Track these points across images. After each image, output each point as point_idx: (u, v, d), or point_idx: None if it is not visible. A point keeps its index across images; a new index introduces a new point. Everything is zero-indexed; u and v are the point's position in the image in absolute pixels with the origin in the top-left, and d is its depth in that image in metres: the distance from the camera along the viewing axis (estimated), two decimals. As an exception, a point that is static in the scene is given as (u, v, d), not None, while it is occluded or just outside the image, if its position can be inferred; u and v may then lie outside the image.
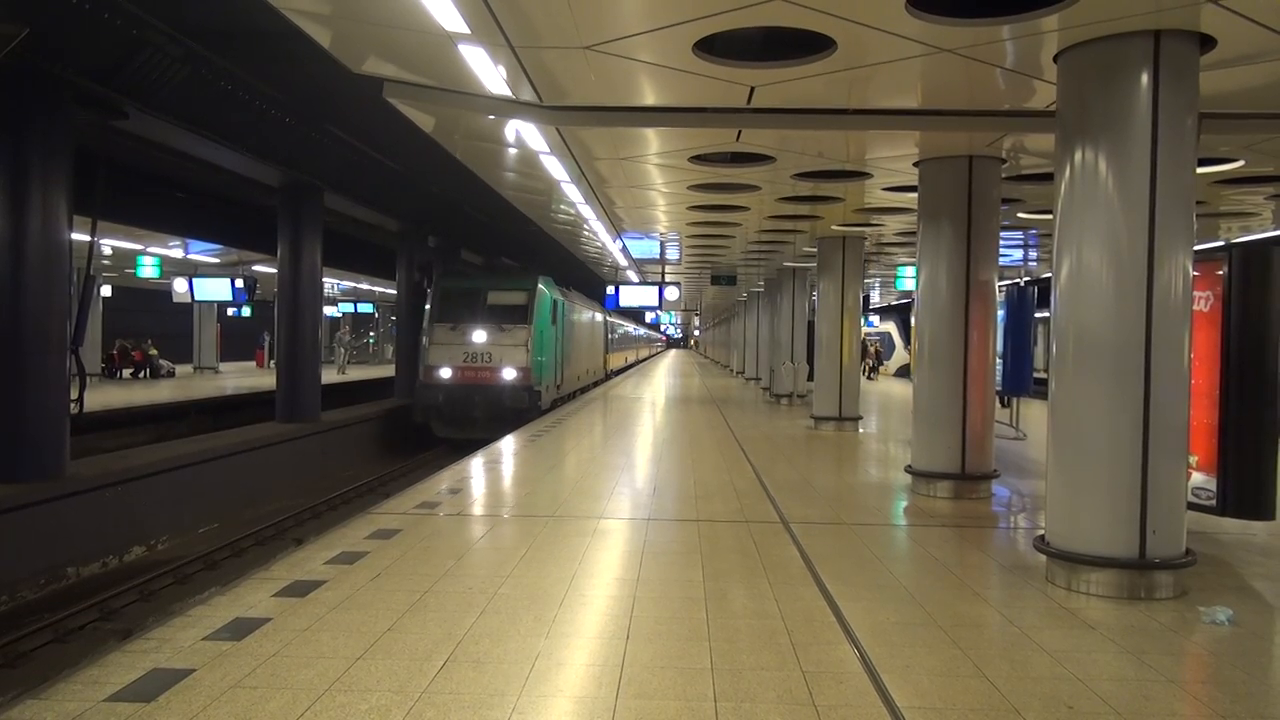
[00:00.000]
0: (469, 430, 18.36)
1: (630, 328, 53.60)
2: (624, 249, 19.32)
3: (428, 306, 20.37)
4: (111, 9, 9.37)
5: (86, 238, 11.28)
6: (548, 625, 4.68)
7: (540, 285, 20.18)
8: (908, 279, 20.37)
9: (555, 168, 10.27)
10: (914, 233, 9.57)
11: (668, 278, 24.84)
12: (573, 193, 12.09)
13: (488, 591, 5.26)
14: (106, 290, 30.31)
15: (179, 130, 12.10)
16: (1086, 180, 5.54)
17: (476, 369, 19.02)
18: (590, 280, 31.64)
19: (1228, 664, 4.44)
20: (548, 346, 20.37)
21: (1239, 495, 6.24)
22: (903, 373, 34.88)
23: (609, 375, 35.93)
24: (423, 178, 18.71)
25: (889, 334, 40.78)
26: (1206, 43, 5.39)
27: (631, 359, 54.00)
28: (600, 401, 21.76)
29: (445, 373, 19.07)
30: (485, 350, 19.11)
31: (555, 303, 21.19)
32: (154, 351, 30.99)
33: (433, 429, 19.33)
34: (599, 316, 32.53)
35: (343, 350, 37.30)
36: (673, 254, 20.42)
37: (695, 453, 11.84)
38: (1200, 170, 6.94)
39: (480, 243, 28.20)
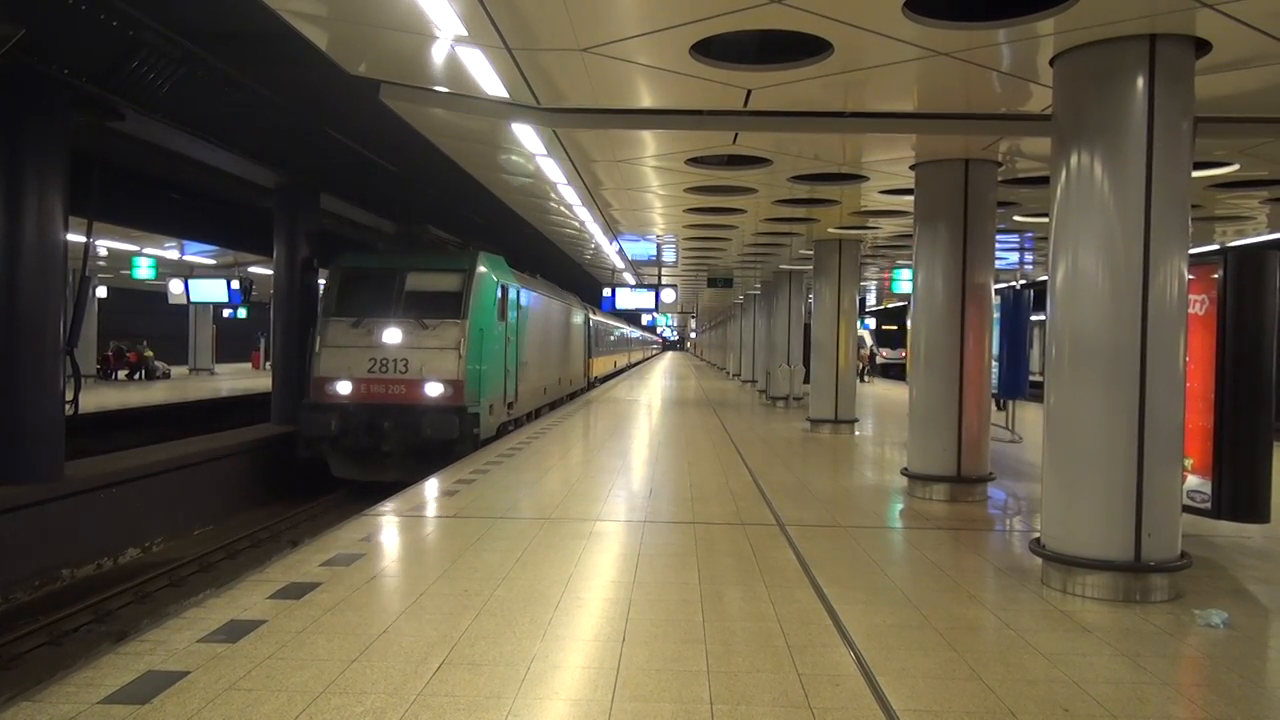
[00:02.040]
0: (377, 470, 13.20)
1: (621, 328, 47.59)
2: (620, 251, 19.30)
3: (321, 294, 15.11)
4: (108, 10, 9.36)
5: (82, 239, 11.27)
6: (544, 628, 4.67)
7: (482, 266, 14.41)
8: (904, 282, 20.41)
9: (551, 169, 10.27)
10: (910, 236, 9.59)
11: (664, 280, 24.83)
12: (569, 194, 12.09)
13: (483, 594, 5.25)
14: (102, 291, 30.23)
15: (175, 131, 12.09)
16: (1082, 184, 5.55)
17: (387, 382, 13.27)
18: (587, 282, 31.61)
19: (1223, 667, 4.45)
20: (492, 350, 14.43)
21: (1234, 498, 6.26)
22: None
23: (592, 384, 30.35)
24: (422, 178, 18.65)
25: (862, 337, 40.80)
26: (1202, 47, 5.41)
27: (622, 363, 47.91)
28: (596, 404, 21.72)
29: (342, 387, 13.33)
30: (400, 356, 13.34)
31: (505, 290, 15.32)
32: (149, 353, 30.94)
33: (330, 467, 13.69)
34: (579, 313, 27.02)
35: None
36: (669, 256, 20.40)
37: (691, 455, 11.84)
38: (1195, 174, 6.96)
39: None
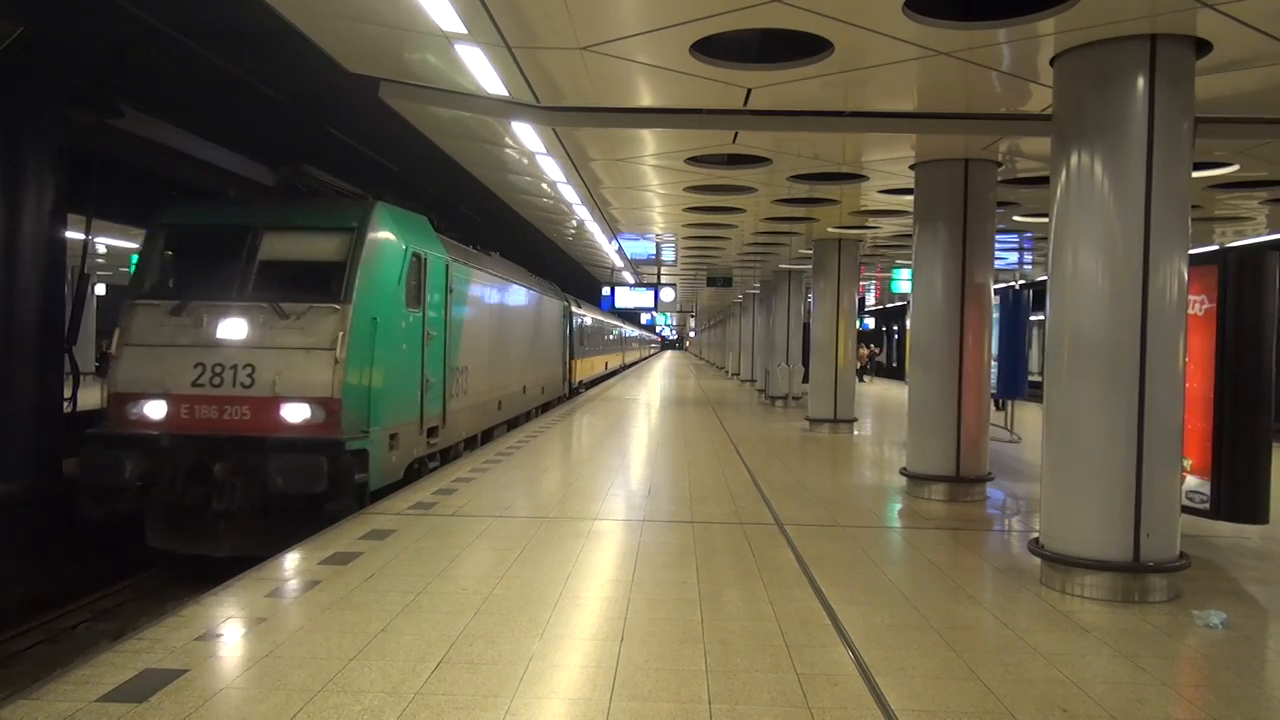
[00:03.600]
0: (206, 539, 8.28)
1: (613, 324, 41.13)
2: (620, 250, 19.29)
3: (134, 267, 9.73)
4: (107, 7, 9.34)
5: (81, 236, 11.25)
6: (542, 626, 4.67)
7: (382, 225, 9.42)
8: (903, 281, 20.42)
9: (551, 168, 10.27)
10: (909, 235, 9.59)
11: (663, 279, 24.82)
12: (568, 193, 12.09)
13: (482, 592, 5.24)
14: (101, 289, 30.21)
15: (174, 129, 12.07)
16: (1082, 184, 5.55)
17: (221, 401, 8.38)
18: (586, 281, 31.58)
19: (1221, 667, 4.45)
20: (396, 351, 9.47)
21: (1233, 499, 6.27)
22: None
23: (575, 390, 25.92)
24: (422, 178, 18.60)
25: None
26: (1202, 47, 5.41)
27: (615, 364, 41.92)
28: (594, 404, 21.69)
29: (153, 409, 8.46)
30: (243, 360, 8.46)
31: (423, 263, 10.20)
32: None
33: (147, 532, 8.46)
34: (555, 304, 22.00)
35: None
36: (668, 255, 20.40)
37: (690, 454, 11.83)
38: (1195, 174, 6.96)
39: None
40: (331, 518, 7.60)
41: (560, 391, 22.90)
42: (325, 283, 8.77)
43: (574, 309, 25.86)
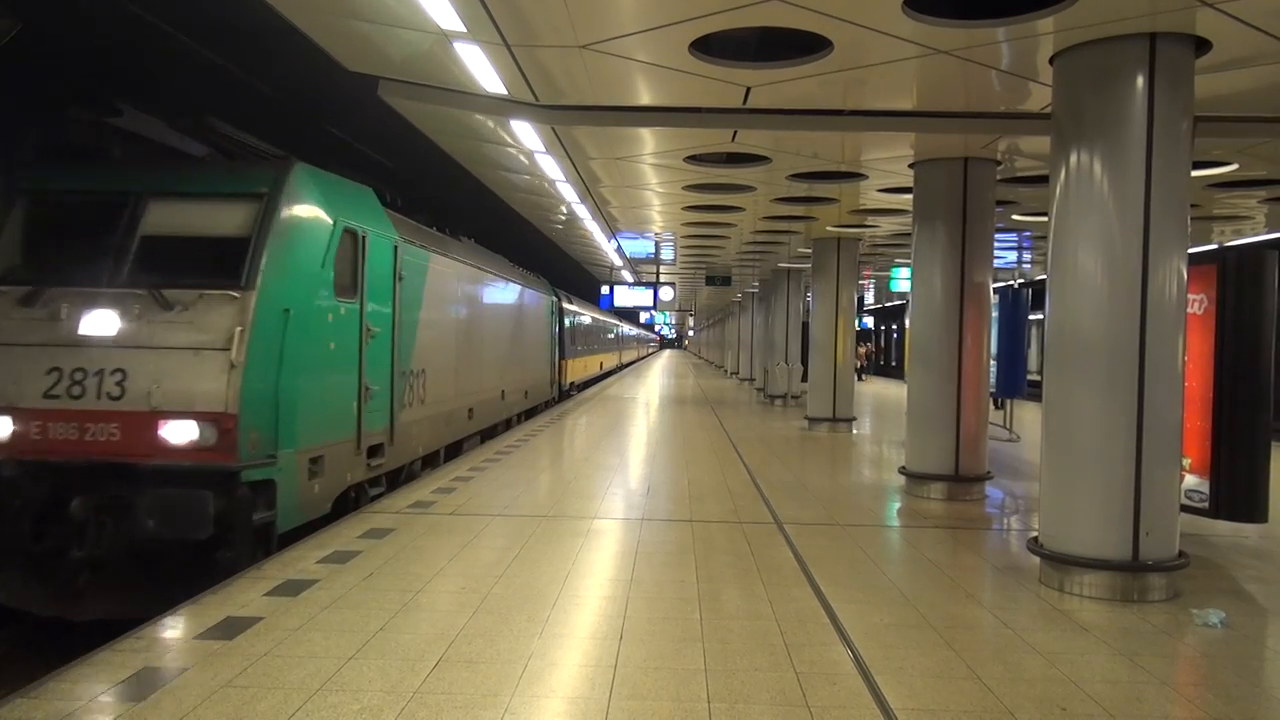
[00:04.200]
0: (66, 599, 6.26)
1: (609, 321, 38.44)
2: (619, 249, 19.28)
3: None
4: (107, 5, 9.33)
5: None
6: (541, 625, 4.66)
7: (301, 192, 7.43)
8: (902, 280, 20.42)
9: (550, 167, 10.27)
10: (909, 234, 9.59)
11: (662, 278, 24.82)
12: (567, 192, 12.09)
13: (480, 591, 5.24)
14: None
15: (171, 129, 12.05)
16: (1081, 183, 5.55)
17: (83, 417, 6.34)
18: (585, 280, 31.57)
19: (1220, 666, 4.45)
20: (315, 349, 7.37)
21: (1232, 498, 6.28)
22: None
23: (566, 392, 24.08)
24: (423, 178, 18.56)
25: None
26: (1202, 46, 5.41)
27: (611, 364, 39.93)
28: (593, 402, 21.69)
29: None
30: (112, 364, 6.44)
31: (360, 242, 8.23)
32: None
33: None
34: (543, 298, 19.95)
35: None
36: (667, 254, 20.39)
37: (689, 453, 11.83)
38: (1194, 173, 6.96)
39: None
40: (228, 569, 5.91)
41: (548, 395, 20.83)
42: (223, 263, 6.76)
43: (565, 305, 23.97)
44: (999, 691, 3.94)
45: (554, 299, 21.79)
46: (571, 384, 25.36)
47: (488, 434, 13.99)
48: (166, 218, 7.04)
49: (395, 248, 9.05)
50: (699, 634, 4.58)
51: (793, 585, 5.56)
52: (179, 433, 6.30)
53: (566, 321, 24.10)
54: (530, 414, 18.10)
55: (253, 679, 3.88)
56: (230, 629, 4.50)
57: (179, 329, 6.53)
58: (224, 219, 7.03)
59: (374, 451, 8.52)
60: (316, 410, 7.29)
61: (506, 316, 15.82)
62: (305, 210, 7.39)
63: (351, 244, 8.01)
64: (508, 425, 15.76)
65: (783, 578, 5.73)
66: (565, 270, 29.65)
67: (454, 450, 11.95)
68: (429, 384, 10.43)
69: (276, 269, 6.86)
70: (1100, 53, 5.44)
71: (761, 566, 5.99)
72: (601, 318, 34.84)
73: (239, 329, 6.46)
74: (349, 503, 8.02)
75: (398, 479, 9.47)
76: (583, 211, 13.91)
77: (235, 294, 6.59)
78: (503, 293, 15.36)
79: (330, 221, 7.62)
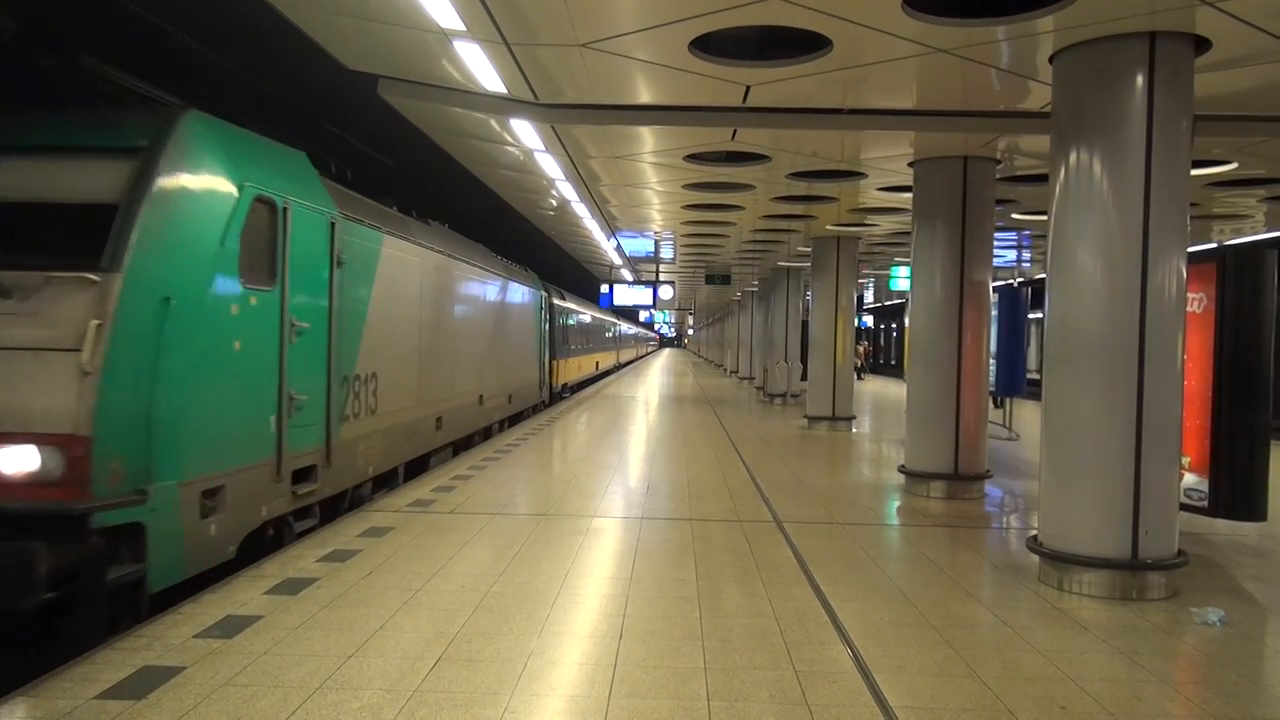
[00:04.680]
0: None
1: (605, 319, 36.25)
2: (618, 247, 19.28)
3: None
4: (106, 3, 9.33)
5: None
6: (540, 624, 4.67)
7: (194, 150, 5.76)
8: (902, 279, 20.43)
9: (549, 165, 10.27)
10: (908, 233, 9.59)
11: (662, 277, 24.82)
12: (567, 190, 12.08)
13: (480, 590, 5.24)
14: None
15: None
16: (1081, 182, 5.55)
17: None
18: (584, 279, 31.55)
19: (1219, 665, 4.45)
20: (210, 350, 5.69)
21: (1231, 496, 6.28)
22: None
23: (558, 394, 22.48)
24: (424, 179, 18.52)
25: None
26: (1201, 45, 5.41)
27: (608, 364, 38.12)
28: (588, 402, 21.68)
29: None
30: None
31: (273, 213, 6.47)
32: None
33: None
34: (529, 293, 18.23)
35: None
36: (667, 253, 20.39)
37: (689, 452, 11.84)
38: (1194, 172, 6.96)
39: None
40: (78, 644, 4.46)
41: (536, 398, 19.00)
42: (81, 238, 5.21)
43: (556, 300, 22.17)
44: (998, 690, 3.94)
45: (543, 294, 20.11)
46: (564, 385, 23.77)
47: (462, 445, 12.39)
48: (8, 178, 5.47)
49: (332, 224, 7.38)
50: (698, 632, 4.58)
51: (792, 584, 5.57)
52: (10, 461, 4.75)
53: (558, 319, 22.48)
54: (516, 420, 16.68)
55: (253, 677, 3.88)
56: (230, 627, 4.50)
57: (17, 323, 4.96)
58: (86, 181, 5.45)
59: (302, 476, 6.92)
60: (212, 429, 5.70)
61: (485, 312, 14.03)
62: (199, 171, 5.81)
63: (268, 216, 6.39)
64: (487, 434, 14.11)
65: (782, 576, 5.73)
66: (566, 269, 29.63)
67: (419, 466, 10.37)
68: (382, 390, 8.74)
69: (153, 245, 5.30)
70: (1100, 52, 5.44)
71: (761, 565, 6.00)
72: (598, 315, 32.93)
73: (95, 323, 4.90)
74: (265, 542, 6.47)
75: (339, 506, 7.91)
76: (582, 210, 13.91)
77: (93, 277, 5.02)
78: (480, 285, 13.63)
79: (234, 187, 5.99)
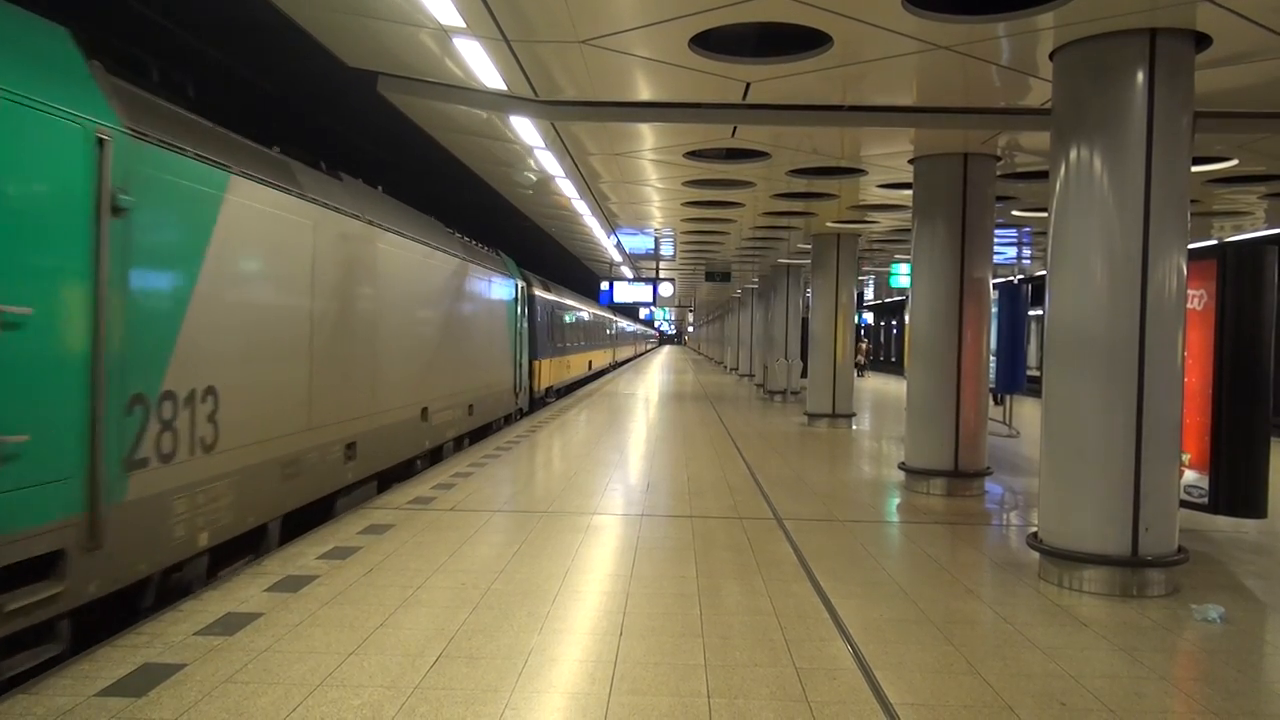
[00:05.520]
0: None
1: (600, 315, 33.57)
2: (618, 244, 19.27)
3: None
4: (105, 2, 9.31)
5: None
6: (541, 621, 4.67)
7: None
8: (902, 276, 20.42)
9: (549, 162, 10.25)
10: (908, 230, 9.58)
11: (662, 274, 24.81)
12: (566, 187, 12.07)
13: (481, 587, 5.25)
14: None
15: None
16: (1081, 178, 5.54)
17: None
18: (584, 276, 31.54)
19: (1219, 661, 4.45)
20: None
21: (1231, 493, 6.27)
22: None
23: (540, 400, 19.83)
24: (425, 179, 18.48)
25: None
26: (1202, 41, 5.40)
27: (603, 363, 35.21)
28: (592, 399, 21.66)
29: None
30: None
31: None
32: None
33: None
34: (503, 283, 15.69)
35: None
36: (667, 250, 20.38)
37: (689, 449, 11.84)
38: (1194, 169, 6.96)
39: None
40: None
41: (510, 407, 16.14)
42: None
43: (538, 292, 19.25)
44: (998, 686, 3.95)
45: (520, 283, 17.11)
46: (549, 389, 20.86)
47: (397, 474, 9.75)
48: None
49: (100, 144, 4.60)
50: (699, 629, 4.58)
51: (792, 580, 5.57)
52: None
53: (541, 314, 19.38)
54: (483, 434, 14.04)
55: (253, 674, 3.88)
56: (230, 624, 4.50)
57: None
58: None
59: (25, 575, 4.10)
60: None
61: (431, 301, 11.06)
62: None
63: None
64: (436, 457, 11.37)
65: (782, 573, 5.74)
66: (566, 268, 29.61)
67: (319, 512, 7.61)
68: (229, 412, 5.93)
69: None
70: (1100, 48, 5.43)
71: (761, 562, 6.00)
72: (591, 309, 29.55)
73: None
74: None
75: (140, 604, 5.14)
76: (583, 208, 13.90)
77: None
78: (423, 267, 10.63)
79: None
